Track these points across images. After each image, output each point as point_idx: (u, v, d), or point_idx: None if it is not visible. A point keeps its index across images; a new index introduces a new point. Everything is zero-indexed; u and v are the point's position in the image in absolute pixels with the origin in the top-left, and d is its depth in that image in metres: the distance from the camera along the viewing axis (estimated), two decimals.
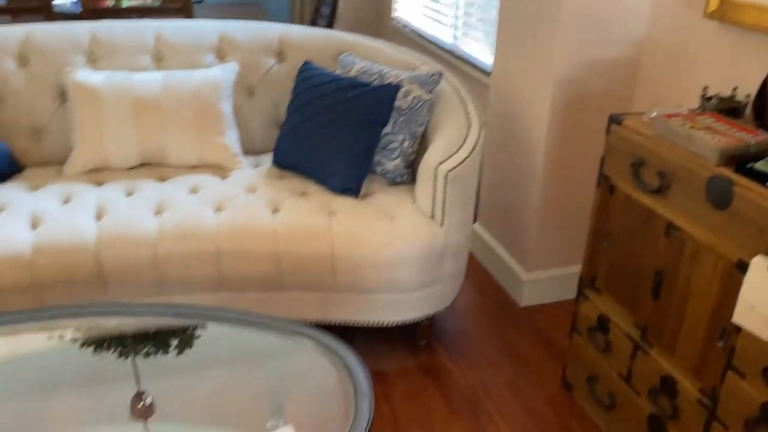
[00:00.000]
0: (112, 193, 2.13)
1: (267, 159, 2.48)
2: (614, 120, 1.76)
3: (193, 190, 2.20)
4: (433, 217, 2.08)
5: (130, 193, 2.16)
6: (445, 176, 2.01)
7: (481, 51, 3.11)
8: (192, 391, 1.48)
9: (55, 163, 2.37)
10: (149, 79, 2.28)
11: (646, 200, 1.67)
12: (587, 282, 1.96)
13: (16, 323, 1.61)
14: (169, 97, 2.26)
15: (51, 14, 3.26)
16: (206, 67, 2.45)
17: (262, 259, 2.01)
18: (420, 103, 2.25)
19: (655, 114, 1.67)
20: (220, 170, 2.35)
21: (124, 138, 2.24)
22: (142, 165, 2.34)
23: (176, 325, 1.62)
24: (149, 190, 2.16)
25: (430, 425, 1.97)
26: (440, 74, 2.27)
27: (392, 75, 2.29)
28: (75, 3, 3.74)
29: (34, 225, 1.96)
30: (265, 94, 2.53)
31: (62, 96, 2.35)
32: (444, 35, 3.52)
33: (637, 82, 2.29)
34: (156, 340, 1.57)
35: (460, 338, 2.36)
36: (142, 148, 2.27)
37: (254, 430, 1.39)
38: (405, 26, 4.09)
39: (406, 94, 2.24)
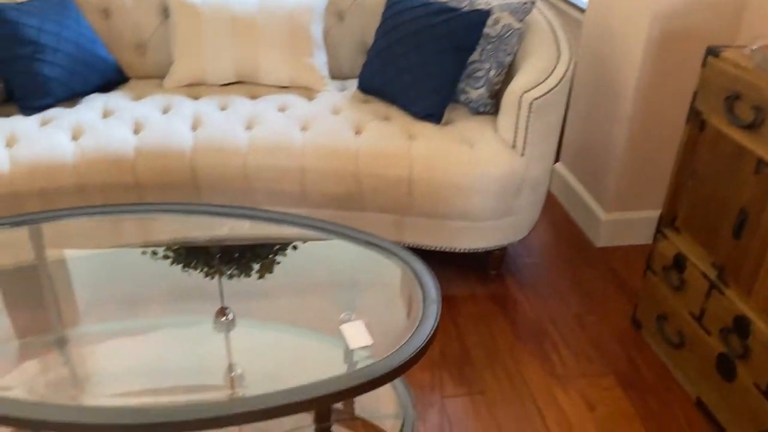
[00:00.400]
0: (207, 106, 2.25)
1: (352, 84, 2.53)
2: (712, 52, 1.69)
3: (282, 109, 2.29)
4: (514, 146, 2.09)
5: (223, 108, 2.27)
6: (530, 105, 2.00)
7: None
8: (273, 294, 1.60)
9: (156, 76, 2.51)
10: (247, 1, 2.36)
11: (738, 136, 1.61)
12: (667, 221, 1.93)
13: (119, 213, 1.76)
14: (264, 17, 2.33)
15: None
16: None
17: (343, 178, 2.09)
18: (509, 32, 2.22)
19: (756, 46, 1.60)
20: (308, 92, 2.42)
21: (221, 55, 2.34)
22: (236, 83, 2.45)
23: (262, 236, 1.74)
24: (241, 105, 2.26)
25: (494, 347, 2.03)
26: (532, 2, 2.23)
27: (482, 2, 2.27)
28: None
29: (137, 130, 2.11)
30: (355, 20, 2.56)
31: (164, 12, 2.47)
32: None
33: (742, 16, 2.16)
34: (241, 254, 1.69)
35: (531, 271, 2.38)
36: (236, 66, 2.37)
37: (328, 326, 1.48)
38: None
39: (496, 22, 2.22)
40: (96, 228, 1.77)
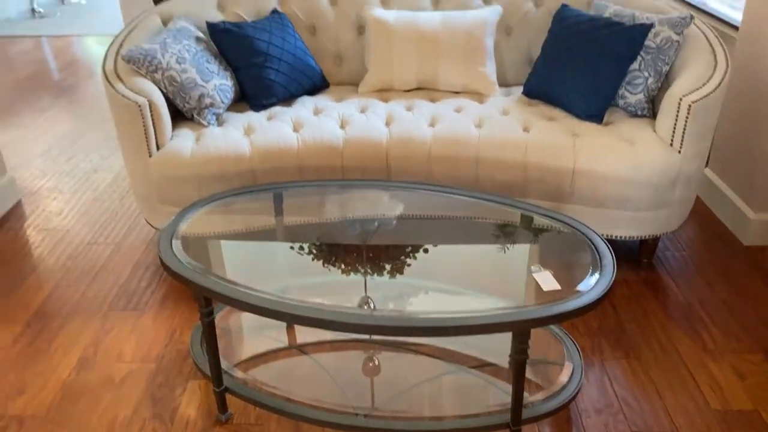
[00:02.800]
0: (396, 107, 2.68)
1: (517, 90, 2.86)
2: None
3: (458, 110, 2.66)
4: (671, 144, 2.33)
5: (409, 109, 2.69)
6: (689, 107, 2.24)
7: (725, 4, 3.16)
8: (467, 256, 1.95)
9: (350, 83, 2.98)
10: (431, 18, 2.77)
11: None
12: None
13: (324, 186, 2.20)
14: (445, 33, 2.73)
15: None
16: (475, 9, 2.88)
17: (512, 167, 2.42)
18: (668, 44, 2.47)
19: None
20: (479, 96, 2.78)
21: (407, 65, 2.76)
22: (417, 88, 2.86)
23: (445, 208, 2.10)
24: (424, 107, 2.66)
25: (647, 323, 2.26)
26: (691, 17, 2.46)
27: (644, 17, 2.53)
28: None
29: (342, 125, 2.56)
30: (521, 34, 2.90)
31: (360, 29, 2.94)
32: None
33: None
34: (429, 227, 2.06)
35: (681, 263, 2.58)
36: (419, 74, 2.78)
37: (519, 276, 1.81)
38: None
39: (656, 35, 2.47)
40: (315, 198, 2.21)
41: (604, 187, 2.35)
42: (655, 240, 2.52)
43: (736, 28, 3.06)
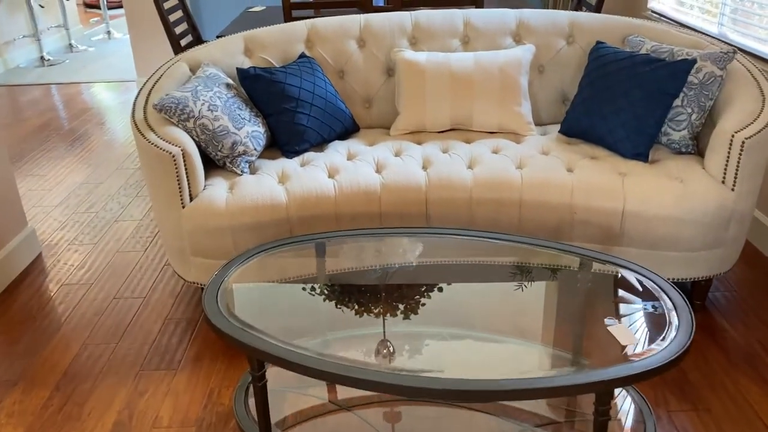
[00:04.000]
0: (431, 149, 2.60)
1: (552, 129, 2.80)
2: None
3: (495, 151, 2.59)
4: (723, 182, 2.25)
5: (445, 151, 2.61)
6: (742, 143, 2.17)
7: (755, 39, 3.12)
8: (521, 304, 1.85)
9: (379, 126, 2.92)
10: (463, 58, 2.72)
11: None
12: None
13: (383, 236, 2.11)
14: (479, 73, 2.68)
15: (369, 7, 3.81)
16: (508, 49, 2.84)
17: (557, 208, 2.34)
18: (711, 79, 2.41)
19: None
20: (515, 136, 2.72)
21: (441, 106, 2.70)
22: (450, 129, 2.79)
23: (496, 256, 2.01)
24: (460, 149, 2.59)
25: (710, 370, 2.14)
26: (734, 51, 2.41)
27: (683, 53, 2.48)
28: None
29: (379, 170, 2.48)
30: (554, 73, 2.85)
31: (388, 71, 2.89)
32: (708, 25, 3.56)
33: None
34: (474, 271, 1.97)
35: (734, 303, 2.48)
36: (453, 115, 2.72)
37: (597, 328, 1.71)
38: (661, 16, 4.16)
39: (698, 70, 2.42)
40: (357, 247, 2.12)
41: (656, 228, 2.26)
42: (708, 281, 2.42)
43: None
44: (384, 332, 1.70)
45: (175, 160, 2.24)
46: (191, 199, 2.33)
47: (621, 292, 1.78)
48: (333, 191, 2.37)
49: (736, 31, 3.30)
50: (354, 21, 2.90)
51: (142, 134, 2.30)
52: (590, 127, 2.55)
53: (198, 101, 2.38)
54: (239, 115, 2.47)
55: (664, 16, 4.18)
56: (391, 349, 1.63)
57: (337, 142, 2.72)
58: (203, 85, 2.45)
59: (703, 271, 2.34)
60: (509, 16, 2.88)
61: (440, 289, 1.88)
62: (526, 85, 2.73)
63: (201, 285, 2.43)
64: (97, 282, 2.79)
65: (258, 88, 2.57)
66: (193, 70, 2.69)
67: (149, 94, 2.49)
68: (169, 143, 2.27)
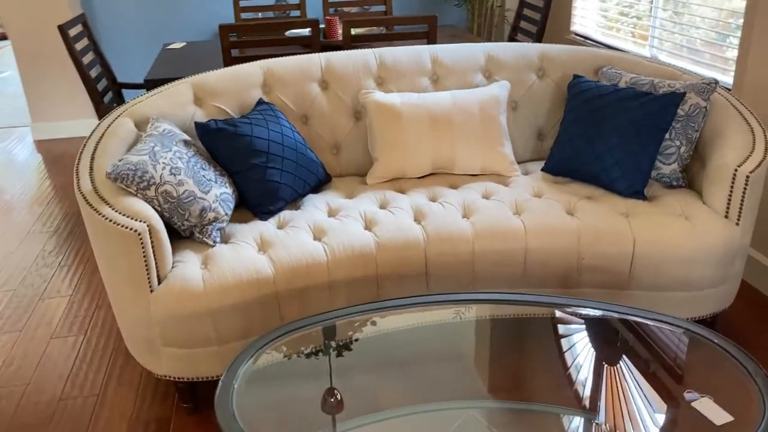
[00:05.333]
0: (419, 199, 2.40)
1: (532, 166, 2.67)
2: None
3: (486, 196, 2.42)
4: (727, 216, 2.19)
5: (433, 199, 2.41)
6: (746, 177, 2.13)
7: (692, 62, 3.18)
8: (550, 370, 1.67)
9: (351, 174, 2.67)
10: (440, 98, 2.54)
11: None
12: None
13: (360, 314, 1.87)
14: (458, 113, 2.51)
15: (316, 45, 3.50)
16: (476, 86, 2.69)
17: (564, 256, 2.20)
18: (697, 110, 2.37)
19: None
20: (499, 177, 2.56)
21: (422, 150, 2.50)
22: (430, 174, 2.60)
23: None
24: (449, 196, 2.40)
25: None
26: (715, 82, 2.39)
27: (665, 85, 2.43)
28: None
29: (368, 227, 2.24)
30: (527, 109, 2.73)
31: (356, 115, 2.65)
32: (637, 48, 3.62)
33: None
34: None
35: (738, 338, 2.44)
36: (434, 159, 2.53)
37: (676, 403, 1.55)
38: (586, 39, 4.22)
39: (684, 102, 2.37)
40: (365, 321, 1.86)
41: (666, 269, 2.17)
42: (714, 318, 2.37)
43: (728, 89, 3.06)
44: None
45: (141, 239, 1.89)
46: (159, 282, 1.98)
47: (683, 355, 1.65)
48: (324, 256, 2.10)
49: (666, 53, 3.35)
50: (313, 62, 2.65)
51: (96, 209, 1.93)
52: (581, 165, 2.45)
53: (158, 165, 2.04)
54: (204, 176, 2.15)
55: (589, 38, 4.24)
56: None
57: (311, 196, 2.45)
58: (160, 145, 2.11)
59: (709, 309, 2.28)
60: (476, 51, 2.74)
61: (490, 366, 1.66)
62: (505, 124, 2.59)
63: (175, 378, 2.07)
64: (35, 381, 2.34)
65: (221, 143, 2.25)
66: (138, 126, 2.33)
67: (92, 158, 2.12)
68: (132, 218, 1.91)
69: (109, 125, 2.26)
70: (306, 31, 3.89)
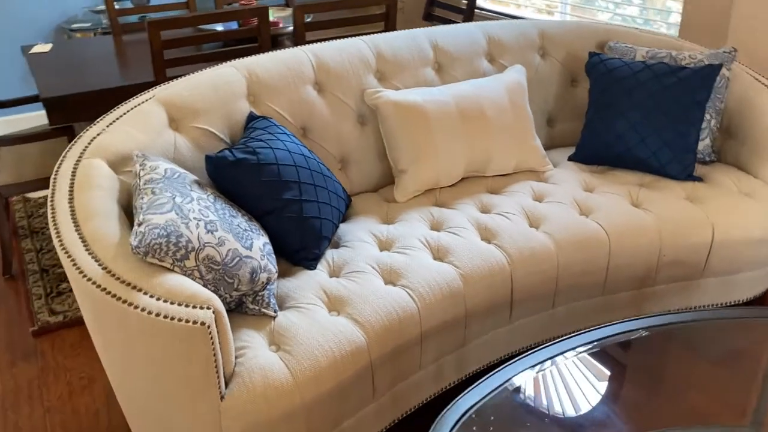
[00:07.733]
0: (471, 211, 2.05)
1: (557, 156, 2.43)
2: None
3: (538, 198, 2.15)
4: None
5: (485, 210, 2.08)
6: None
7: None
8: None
9: (363, 190, 2.24)
10: (461, 90, 2.19)
11: None
12: None
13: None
14: (490, 106, 2.18)
15: (266, 47, 2.95)
16: (483, 73, 2.39)
17: (647, 254, 2.01)
18: (722, 81, 2.29)
19: None
20: (534, 174, 2.30)
21: (455, 154, 2.14)
22: (461, 180, 2.25)
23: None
24: (501, 204, 2.08)
25: None
26: (735, 50, 2.32)
27: (685, 57, 2.32)
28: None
29: (439, 256, 1.85)
30: (536, 93, 2.49)
31: (360, 119, 2.21)
32: (545, 17, 3.58)
33: None
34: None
35: None
36: (468, 162, 2.18)
37: None
38: (483, 10, 4.10)
39: None
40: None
41: (741, 253, 2.07)
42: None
43: None
44: None
45: (209, 332, 1.34)
46: (227, 384, 1.44)
47: None
48: (413, 304, 1.69)
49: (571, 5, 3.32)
50: (301, 59, 2.15)
51: (127, 302, 1.32)
52: (624, 151, 2.25)
53: (190, 223, 1.47)
54: (238, 226, 1.61)
55: (486, 10, 4.10)
56: None
57: (342, 226, 1.99)
58: (179, 194, 1.53)
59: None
60: (475, 32, 2.42)
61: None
62: (531, 114, 2.32)
63: None
64: None
65: (245, 178, 1.71)
66: (114, 168, 1.69)
67: (77, 227, 1.48)
68: (189, 306, 1.34)
69: (74, 175, 1.61)
70: (234, 24, 3.26)
